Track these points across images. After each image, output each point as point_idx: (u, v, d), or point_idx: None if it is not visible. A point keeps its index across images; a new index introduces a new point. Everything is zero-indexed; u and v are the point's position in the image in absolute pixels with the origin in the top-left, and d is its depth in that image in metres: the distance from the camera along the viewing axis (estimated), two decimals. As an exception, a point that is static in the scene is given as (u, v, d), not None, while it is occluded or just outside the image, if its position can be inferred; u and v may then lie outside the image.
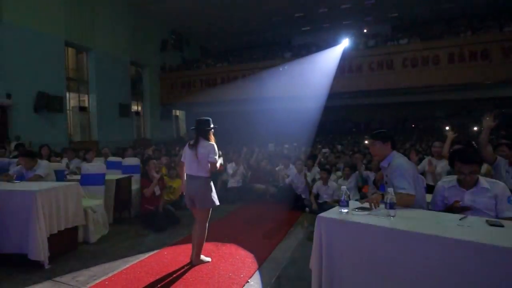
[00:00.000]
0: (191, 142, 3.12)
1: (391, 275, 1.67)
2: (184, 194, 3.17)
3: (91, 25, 12.18)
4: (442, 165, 3.93)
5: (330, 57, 12.77)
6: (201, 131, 3.09)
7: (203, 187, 3.03)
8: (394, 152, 2.30)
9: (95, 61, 12.48)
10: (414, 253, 1.60)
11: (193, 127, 3.17)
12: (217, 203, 3.09)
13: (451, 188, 2.17)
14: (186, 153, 3.13)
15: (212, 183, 3.12)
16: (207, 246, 3.53)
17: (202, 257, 3.15)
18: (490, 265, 1.41)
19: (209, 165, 3.04)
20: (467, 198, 2.08)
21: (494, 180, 2.19)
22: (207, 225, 3.12)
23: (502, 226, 1.66)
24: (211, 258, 3.21)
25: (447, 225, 1.70)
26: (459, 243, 1.49)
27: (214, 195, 3.08)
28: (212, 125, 3.14)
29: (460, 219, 1.77)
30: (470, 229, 1.63)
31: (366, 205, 2.04)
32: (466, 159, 2.06)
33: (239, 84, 14.06)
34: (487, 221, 1.74)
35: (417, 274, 1.59)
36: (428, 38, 12.19)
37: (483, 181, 2.09)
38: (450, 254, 1.50)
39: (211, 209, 3.11)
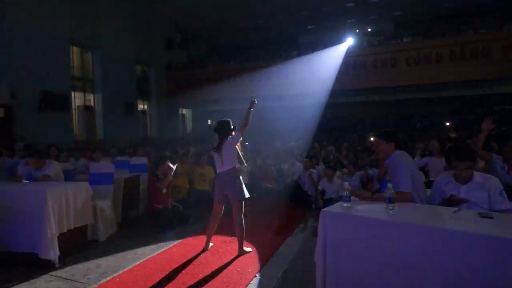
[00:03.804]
0: (215, 145, 3.31)
1: (390, 265, 1.76)
2: (215, 192, 3.40)
3: (96, 24, 12.21)
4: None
5: (335, 55, 12.83)
6: (224, 133, 3.29)
7: (234, 179, 3.26)
8: (398, 151, 2.40)
9: (101, 59, 12.54)
10: (411, 244, 1.70)
11: (215, 127, 3.35)
12: (248, 195, 3.31)
13: (448, 183, 2.28)
14: (214, 157, 3.36)
15: (241, 177, 3.33)
16: (216, 242, 3.63)
17: (245, 248, 3.35)
18: (479, 252, 1.51)
19: (234, 158, 3.25)
20: (463, 192, 2.18)
21: (487, 175, 2.30)
22: (243, 217, 3.31)
23: (491, 217, 1.76)
24: (220, 254, 3.33)
25: (442, 217, 1.82)
26: (451, 233, 1.59)
27: (244, 188, 3.30)
28: (232, 126, 3.33)
29: (454, 212, 1.88)
30: (462, 221, 1.73)
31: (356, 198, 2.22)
32: (461, 156, 2.17)
33: (245, 82, 14.16)
34: (479, 213, 1.85)
35: (414, 263, 1.68)
36: (430, 36, 12.24)
37: (478, 176, 2.20)
38: (443, 243, 1.60)
39: (243, 201, 3.31)
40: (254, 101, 3.32)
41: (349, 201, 2.04)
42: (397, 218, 1.82)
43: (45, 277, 2.86)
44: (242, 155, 3.41)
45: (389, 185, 1.98)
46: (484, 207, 2.07)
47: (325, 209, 2.07)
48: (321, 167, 6.24)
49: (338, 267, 1.95)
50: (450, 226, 1.64)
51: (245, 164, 3.43)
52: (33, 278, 2.84)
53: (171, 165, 4.66)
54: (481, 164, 3.42)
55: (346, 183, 2.11)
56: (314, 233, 3.88)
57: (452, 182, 2.25)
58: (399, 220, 1.79)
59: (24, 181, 3.58)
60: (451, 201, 2.14)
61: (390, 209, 1.91)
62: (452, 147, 2.38)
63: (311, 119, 11.88)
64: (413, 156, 3.87)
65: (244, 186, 3.32)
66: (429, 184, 2.78)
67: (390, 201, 1.92)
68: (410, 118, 17.99)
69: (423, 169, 4.10)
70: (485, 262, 1.50)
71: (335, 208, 2.08)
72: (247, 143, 7.53)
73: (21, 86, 9.32)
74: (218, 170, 3.35)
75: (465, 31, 11.87)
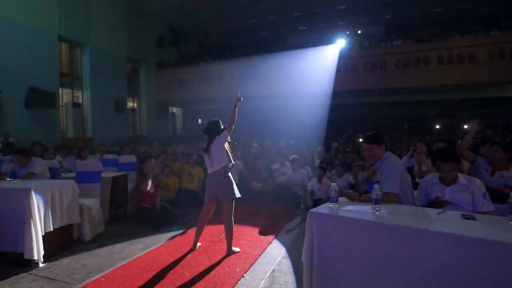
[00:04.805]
0: (203, 147, 3.34)
1: (376, 265, 1.79)
2: (206, 191, 3.39)
3: (86, 20, 11.95)
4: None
5: (326, 57, 12.93)
6: (213, 133, 3.30)
7: (224, 180, 3.27)
8: (388, 153, 2.43)
9: (90, 56, 12.26)
10: (396, 244, 1.73)
11: (204, 128, 3.37)
12: (238, 195, 3.31)
13: (433, 184, 2.34)
14: (204, 159, 3.38)
15: (231, 177, 3.33)
16: (204, 241, 3.62)
17: (233, 248, 3.36)
18: (463, 253, 1.55)
19: (223, 158, 3.26)
20: (447, 194, 2.24)
21: (471, 177, 2.36)
22: (232, 217, 3.32)
23: (475, 219, 1.81)
24: (208, 254, 3.32)
25: (426, 219, 1.86)
26: (436, 235, 1.62)
27: (235, 188, 3.31)
28: (222, 126, 3.34)
29: (438, 213, 1.92)
30: (447, 222, 1.77)
31: (343, 198, 2.25)
32: (446, 158, 2.23)
33: (236, 81, 14.12)
34: (462, 215, 1.89)
35: (400, 263, 1.71)
36: (419, 41, 12.49)
37: (462, 178, 2.26)
38: (427, 244, 1.63)
39: (233, 201, 3.31)
40: (240, 97, 3.38)
41: (336, 201, 2.07)
42: (383, 219, 1.85)
43: (29, 276, 2.81)
44: (231, 155, 3.42)
45: (376, 186, 2.00)
46: (468, 209, 2.13)
47: (312, 209, 2.09)
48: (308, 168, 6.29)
49: (325, 267, 1.96)
50: (435, 228, 1.67)
51: (233, 162, 3.42)
52: (16, 277, 2.79)
53: (154, 166, 4.64)
54: (466, 165, 3.50)
55: (334, 184, 2.13)
56: (303, 233, 3.91)
57: (437, 183, 2.30)
58: (384, 221, 1.81)
59: (8, 179, 3.49)
60: (436, 203, 2.19)
61: (377, 210, 1.94)
62: (438, 149, 2.44)
63: (301, 120, 11.96)
64: (400, 157, 3.93)
65: (235, 185, 3.33)
66: (415, 185, 2.83)
67: (377, 202, 1.95)
68: (398, 120, 18.32)
69: (411, 172, 4.17)
70: (468, 263, 1.53)
71: (322, 208, 2.10)
72: (236, 143, 7.52)
73: (7, 82, 9.05)
74: (208, 171, 3.37)
75: (452, 36, 12.14)
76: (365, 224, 1.84)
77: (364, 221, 1.85)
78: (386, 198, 2.15)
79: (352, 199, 2.27)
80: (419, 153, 3.87)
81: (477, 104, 15.99)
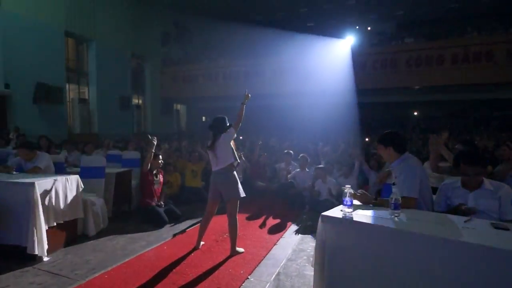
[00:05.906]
0: (208, 144, 3.26)
1: (393, 275, 1.64)
2: (210, 189, 3.32)
3: (92, 16, 12.06)
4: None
5: (334, 54, 12.72)
6: (219, 130, 3.22)
7: (229, 179, 3.18)
8: (406, 153, 2.23)
9: (96, 52, 12.38)
10: (417, 255, 1.57)
11: (210, 124, 3.28)
12: (243, 194, 3.23)
13: (455, 189, 2.17)
14: (209, 156, 3.31)
15: (236, 176, 3.26)
16: (207, 240, 3.56)
17: (237, 248, 3.28)
18: (495, 268, 1.39)
19: (229, 156, 3.19)
20: (471, 199, 2.07)
21: (498, 182, 2.17)
22: (237, 217, 3.24)
23: (507, 229, 1.63)
24: (212, 254, 3.25)
25: (453, 227, 1.68)
26: (464, 246, 1.47)
27: (240, 187, 3.22)
28: (228, 123, 3.26)
29: (465, 221, 1.75)
30: (475, 232, 1.61)
31: (357, 202, 2.08)
32: (472, 161, 2.06)
33: (241, 79, 14.00)
34: (492, 223, 1.72)
35: (420, 275, 1.56)
36: (433, 38, 12.09)
37: (487, 183, 2.09)
38: (454, 256, 1.48)
39: (238, 200, 3.24)
40: (248, 95, 3.28)
41: (351, 205, 1.91)
42: (403, 226, 1.68)
43: (33, 270, 2.81)
44: (237, 154, 3.32)
45: (395, 190, 1.84)
46: (494, 216, 1.96)
47: (325, 212, 1.94)
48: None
49: (337, 275, 1.83)
50: (463, 238, 1.51)
51: (238, 161, 3.34)
52: (20, 271, 2.79)
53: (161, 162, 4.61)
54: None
55: (349, 186, 1.96)
56: (308, 235, 3.81)
57: (459, 188, 2.13)
58: (406, 229, 1.65)
59: (14, 173, 3.51)
60: (459, 211, 2.01)
61: (396, 216, 1.78)
62: (462, 151, 2.26)
63: (307, 119, 11.79)
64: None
65: (239, 184, 3.25)
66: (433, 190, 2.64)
67: (396, 207, 1.78)
68: (408, 120, 17.93)
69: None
70: (501, 278, 1.37)
71: (335, 212, 1.95)
72: (241, 137, 7.42)
73: (15, 77, 9.22)
74: (213, 169, 3.28)
75: (469, 33, 11.70)
76: (384, 231, 1.68)
77: (382, 228, 1.69)
78: (405, 203, 1.97)
79: (364, 203, 2.10)
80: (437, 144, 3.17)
81: (492, 106, 15.47)
